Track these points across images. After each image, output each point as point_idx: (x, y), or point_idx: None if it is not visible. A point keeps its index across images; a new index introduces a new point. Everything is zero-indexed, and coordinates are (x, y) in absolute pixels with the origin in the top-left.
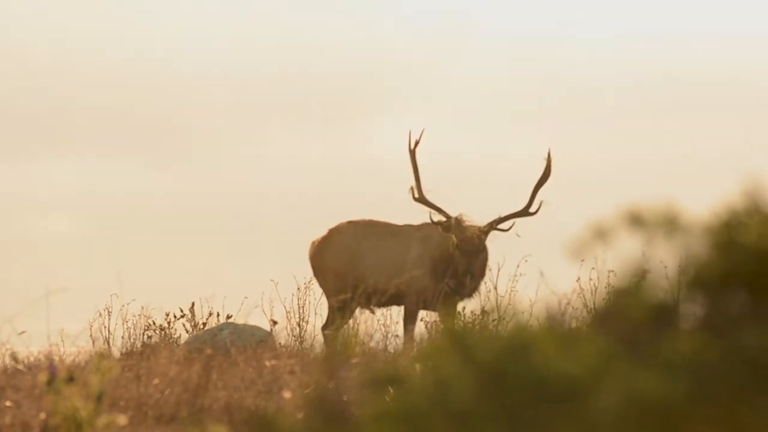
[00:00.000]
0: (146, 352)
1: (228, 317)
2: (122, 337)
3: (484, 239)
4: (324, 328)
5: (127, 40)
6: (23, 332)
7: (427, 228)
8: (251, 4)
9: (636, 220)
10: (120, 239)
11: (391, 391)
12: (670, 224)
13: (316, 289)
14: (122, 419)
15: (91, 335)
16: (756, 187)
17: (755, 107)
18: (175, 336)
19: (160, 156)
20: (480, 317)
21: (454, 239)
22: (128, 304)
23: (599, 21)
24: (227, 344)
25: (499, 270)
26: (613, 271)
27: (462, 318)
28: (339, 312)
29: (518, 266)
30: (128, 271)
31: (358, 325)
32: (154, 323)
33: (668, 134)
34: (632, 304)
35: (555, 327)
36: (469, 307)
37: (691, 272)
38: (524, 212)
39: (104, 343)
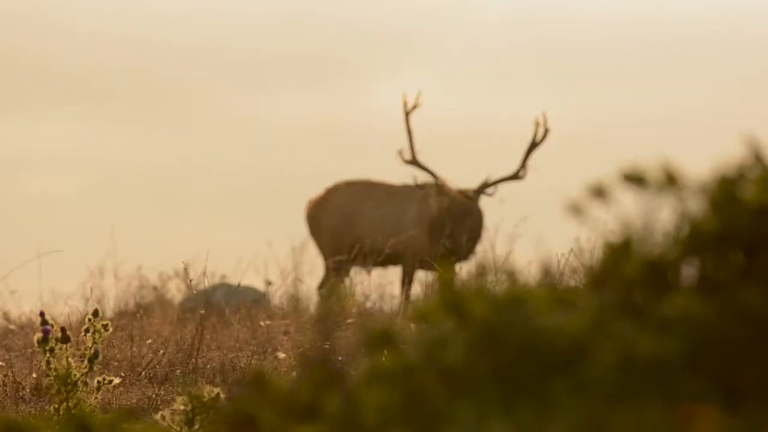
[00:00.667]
0: (140, 313)
1: (222, 277)
2: (115, 297)
3: (472, 203)
4: (319, 288)
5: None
6: (14, 291)
7: (426, 188)
8: None
9: (635, 179)
10: (113, 199)
11: (386, 350)
12: (669, 182)
13: (311, 250)
14: (115, 379)
15: (83, 295)
16: (756, 143)
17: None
18: (169, 296)
19: (153, 115)
20: (476, 277)
21: (442, 202)
22: (122, 263)
23: None
24: (221, 304)
25: (496, 231)
26: (611, 230)
27: (458, 278)
28: (335, 272)
29: (516, 227)
30: (121, 231)
31: (354, 285)
32: (147, 283)
33: (667, 92)
34: (627, 263)
35: (551, 286)
36: (465, 268)
37: (687, 230)
38: (514, 176)
39: (97, 303)
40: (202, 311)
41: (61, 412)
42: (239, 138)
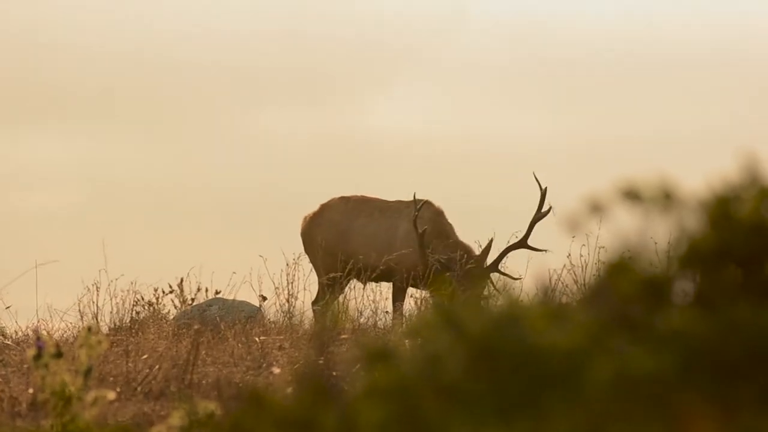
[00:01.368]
0: (135, 328)
1: (217, 293)
2: (111, 313)
3: (477, 266)
4: (314, 303)
5: (113, 15)
6: (9, 307)
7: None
8: None
9: (631, 195)
10: (109, 214)
11: (381, 366)
12: (665, 198)
13: (305, 265)
14: (111, 394)
15: (79, 310)
16: (752, 161)
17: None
18: (164, 312)
19: (149, 131)
20: (471, 293)
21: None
22: (116, 279)
23: None
24: (216, 320)
25: (490, 245)
26: (603, 247)
27: (452, 293)
28: (328, 288)
29: (509, 242)
30: (116, 246)
31: (347, 301)
32: (142, 298)
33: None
34: (624, 279)
35: (546, 302)
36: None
37: (684, 247)
38: (522, 244)
39: (93, 319)
40: (197, 326)
41: (57, 428)
42: (234, 153)
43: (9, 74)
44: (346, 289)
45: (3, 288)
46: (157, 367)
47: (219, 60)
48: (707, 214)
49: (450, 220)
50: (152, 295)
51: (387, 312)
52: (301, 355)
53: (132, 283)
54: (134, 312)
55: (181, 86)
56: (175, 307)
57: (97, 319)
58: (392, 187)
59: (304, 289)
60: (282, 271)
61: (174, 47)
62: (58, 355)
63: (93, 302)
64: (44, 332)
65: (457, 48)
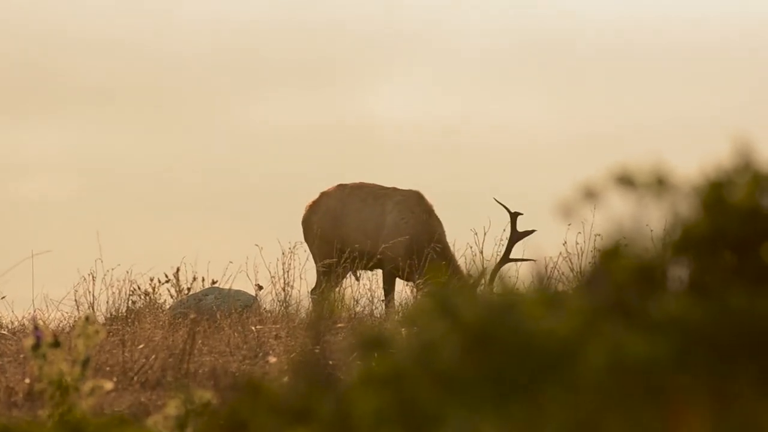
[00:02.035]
0: (131, 318)
1: (213, 282)
2: (107, 303)
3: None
4: (312, 291)
5: (114, 5)
6: (4, 297)
7: (407, 193)
8: None
9: (625, 181)
10: (104, 203)
11: (377, 354)
12: (659, 184)
13: (301, 254)
14: (108, 384)
15: (75, 300)
16: (746, 147)
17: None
18: (160, 301)
19: (145, 120)
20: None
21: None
22: (112, 269)
23: None
24: (212, 309)
25: (485, 233)
26: (599, 234)
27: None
28: (324, 276)
29: (504, 230)
30: (112, 235)
31: (344, 289)
32: (138, 288)
33: (659, 95)
34: (618, 266)
35: (541, 289)
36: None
37: (678, 232)
38: (504, 260)
39: (89, 308)
40: (194, 316)
41: (54, 418)
42: (230, 142)
43: (5, 63)
44: (344, 279)
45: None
46: (153, 356)
47: (216, 48)
48: (701, 199)
49: (441, 213)
50: (148, 285)
51: (382, 301)
52: (298, 344)
53: (128, 273)
54: (130, 301)
55: (178, 75)
56: (171, 297)
57: (93, 309)
58: (390, 174)
59: (300, 278)
60: (278, 260)
61: (171, 36)
62: (56, 344)
63: (89, 292)
64: (41, 322)
65: (456, 36)
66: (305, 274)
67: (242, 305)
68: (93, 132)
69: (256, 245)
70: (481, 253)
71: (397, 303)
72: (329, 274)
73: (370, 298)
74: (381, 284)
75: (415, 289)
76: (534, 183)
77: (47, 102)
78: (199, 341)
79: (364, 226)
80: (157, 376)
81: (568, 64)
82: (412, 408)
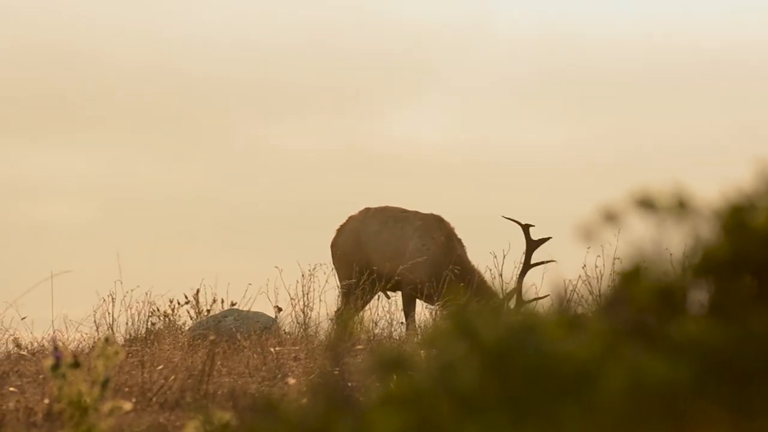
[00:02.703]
0: (150, 339)
1: (232, 304)
2: (126, 324)
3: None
4: (336, 312)
5: (129, 27)
6: (24, 318)
7: (427, 218)
8: None
9: (646, 204)
10: (124, 226)
11: (396, 376)
12: (680, 207)
13: (321, 276)
14: (127, 405)
15: (95, 321)
16: (767, 170)
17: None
18: (180, 323)
19: (164, 143)
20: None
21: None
22: (132, 290)
23: (613, 6)
24: (232, 330)
25: (504, 256)
26: (619, 258)
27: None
28: (345, 297)
29: (523, 253)
30: (132, 257)
31: (363, 311)
32: (158, 309)
33: (680, 118)
34: (638, 288)
35: (561, 311)
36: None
37: (699, 256)
38: (526, 268)
39: (108, 329)
40: (213, 337)
41: None
42: (250, 165)
43: (27, 87)
44: (371, 299)
45: (19, 299)
46: (172, 377)
47: (236, 72)
48: (722, 223)
49: (461, 235)
50: (167, 306)
51: (402, 323)
52: (317, 366)
53: (147, 294)
54: (149, 323)
55: (197, 99)
56: (191, 318)
57: (112, 330)
58: (411, 199)
59: (320, 300)
60: (297, 282)
61: (191, 60)
62: (75, 365)
63: (108, 313)
64: (60, 343)
65: (477, 61)
66: (324, 296)
67: (262, 327)
68: (113, 155)
69: (276, 267)
70: (501, 276)
71: (416, 324)
72: (350, 295)
73: (389, 320)
74: (400, 306)
75: (434, 311)
76: (555, 206)
77: (68, 126)
78: (218, 362)
79: (383, 248)
80: (176, 397)
81: (588, 88)
82: (431, 429)
